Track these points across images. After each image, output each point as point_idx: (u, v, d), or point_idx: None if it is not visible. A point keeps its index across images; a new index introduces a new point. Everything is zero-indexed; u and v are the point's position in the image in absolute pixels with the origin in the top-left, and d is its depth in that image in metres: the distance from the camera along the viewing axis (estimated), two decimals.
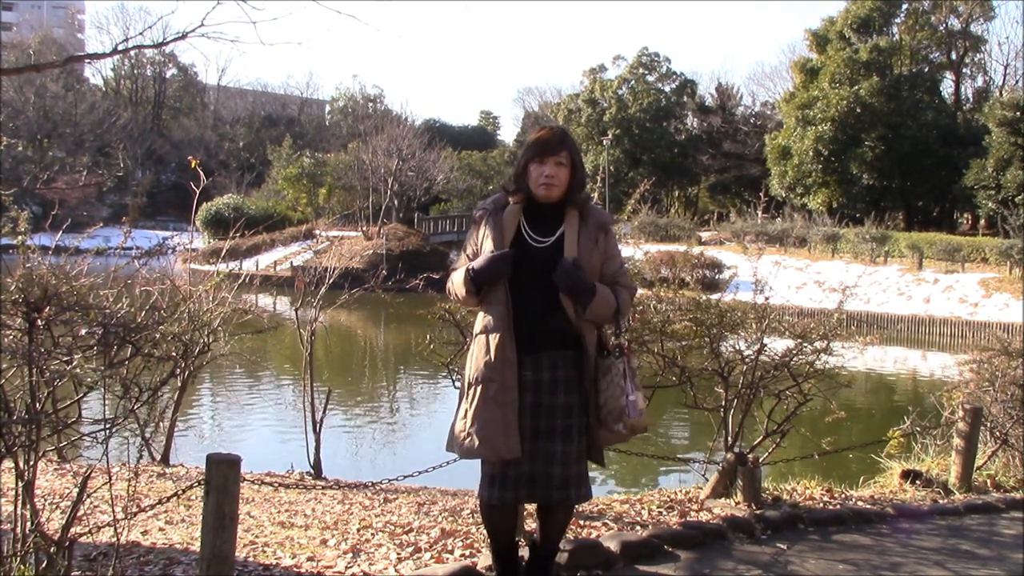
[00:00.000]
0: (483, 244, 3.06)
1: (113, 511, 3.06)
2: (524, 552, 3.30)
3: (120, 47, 4.47)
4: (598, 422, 3.03)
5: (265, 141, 56.88)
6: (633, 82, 53.36)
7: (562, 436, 2.96)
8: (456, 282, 3.07)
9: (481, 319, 3.05)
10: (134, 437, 4.40)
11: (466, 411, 2.98)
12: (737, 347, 5.18)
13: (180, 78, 70.51)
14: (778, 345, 5.18)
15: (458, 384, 3.19)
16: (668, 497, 4.90)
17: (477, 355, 3.00)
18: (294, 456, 7.05)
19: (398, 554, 3.67)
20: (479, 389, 2.95)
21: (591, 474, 3.18)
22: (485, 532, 3.34)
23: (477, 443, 2.91)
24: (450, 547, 3.78)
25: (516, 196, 3.09)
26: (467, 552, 3.70)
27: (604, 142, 47.25)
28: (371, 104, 65.02)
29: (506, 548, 3.18)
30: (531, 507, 3.54)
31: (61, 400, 3.34)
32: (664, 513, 4.49)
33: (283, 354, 14.67)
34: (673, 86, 54.22)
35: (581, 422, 3.01)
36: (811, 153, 39.61)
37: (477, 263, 3.00)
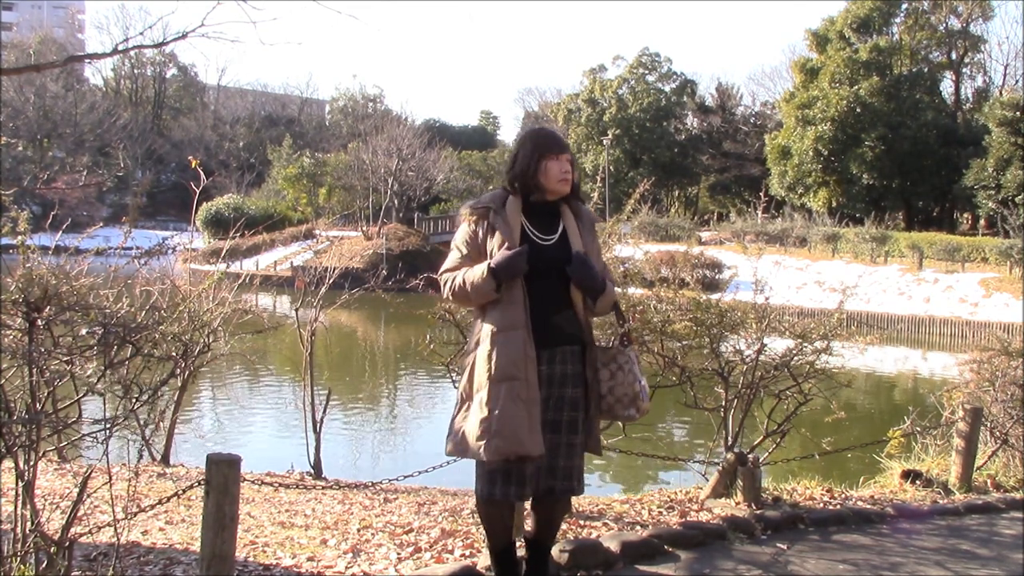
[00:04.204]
0: (494, 242, 3.03)
1: (113, 511, 3.06)
2: (523, 552, 3.30)
3: (120, 47, 4.46)
4: (599, 412, 3.13)
5: (265, 141, 56.89)
6: (633, 82, 53.35)
7: (568, 428, 3.03)
8: (472, 281, 2.99)
9: (496, 317, 2.99)
10: (134, 437, 4.40)
11: (489, 411, 2.89)
12: (737, 347, 5.18)
13: (180, 78, 70.51)
14: (778, 345, 5.18)
15: (458, 384, 3.17)
16: (668, 497, 4.89)
17: (497, 353, 2.93)
18: (294, 456, 7.04)
19: (398, 554, 3.67)
20: (504, 387, 2.89)
21: (588, 473, 3.21)
22: (484, 531, 3.34)
23: (503, 443, 2.86)
24: (450, 547, 3.78)
25: (518, 194, 3.11)
26: (467, 552, 3.70)
27: (604, 142, 47.24)
28: (371, 104, 65.00)
29: (505, 546, 3.18)
30: (528, 506, 3.54)
31: (61, 400, 3.34)
32: (664, 513, 4.49)
33: (283, 354, 14.67)
34: (673, 86, 54.21)
35: (583, 415, 3.08)
36: (811, 153, 39.62)
37: (496, 260, 2.96)
